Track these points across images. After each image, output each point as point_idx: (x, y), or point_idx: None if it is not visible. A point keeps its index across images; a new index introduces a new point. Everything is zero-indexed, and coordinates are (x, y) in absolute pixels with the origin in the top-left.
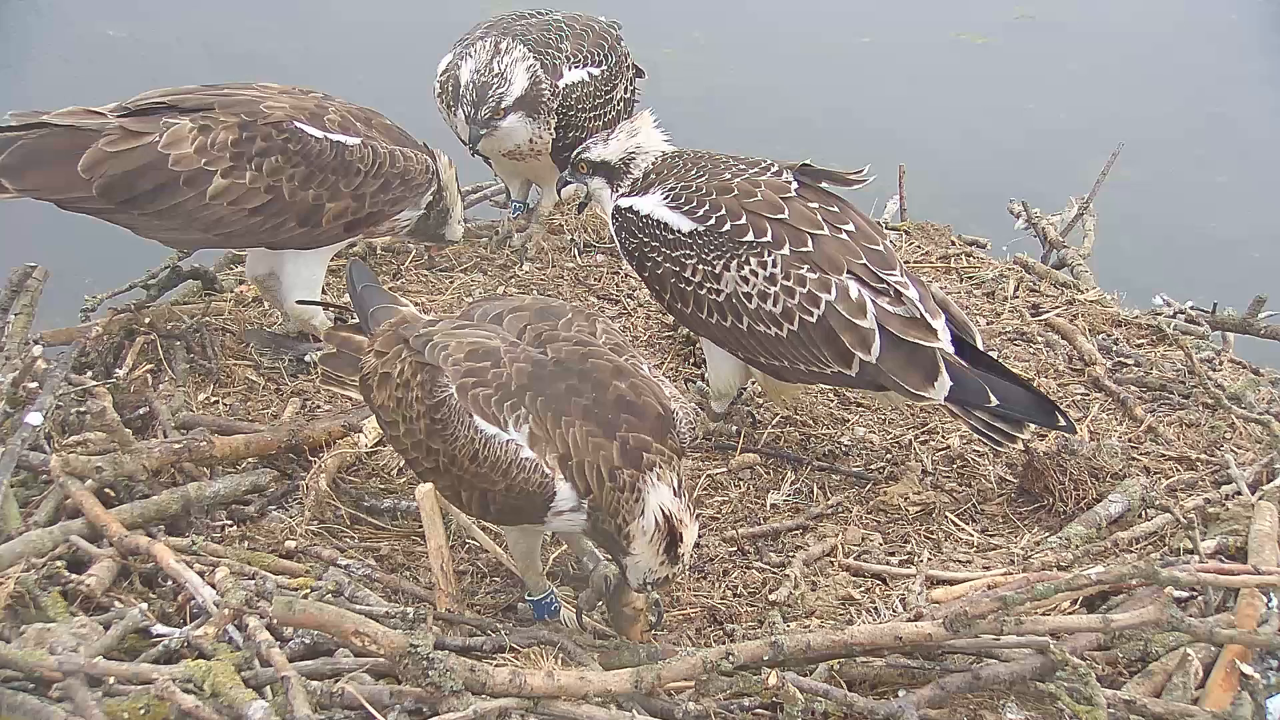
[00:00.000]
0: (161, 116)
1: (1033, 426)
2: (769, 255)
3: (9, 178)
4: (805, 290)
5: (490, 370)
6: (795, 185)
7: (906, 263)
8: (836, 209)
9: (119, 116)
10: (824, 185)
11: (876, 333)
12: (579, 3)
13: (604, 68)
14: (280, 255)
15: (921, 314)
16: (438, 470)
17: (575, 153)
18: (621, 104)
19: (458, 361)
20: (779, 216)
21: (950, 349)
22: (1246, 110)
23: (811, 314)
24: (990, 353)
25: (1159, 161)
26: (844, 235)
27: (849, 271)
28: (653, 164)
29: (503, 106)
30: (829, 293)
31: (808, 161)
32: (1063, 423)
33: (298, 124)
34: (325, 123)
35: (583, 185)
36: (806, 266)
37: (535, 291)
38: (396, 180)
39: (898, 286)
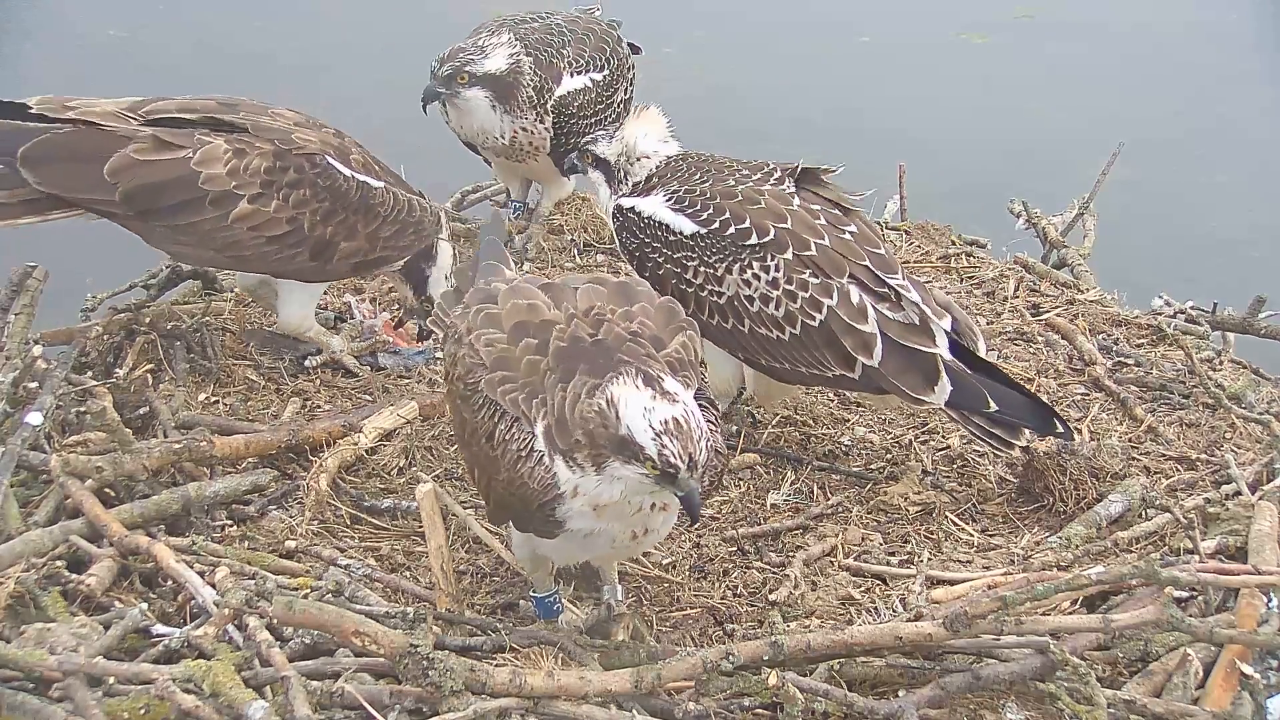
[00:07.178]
0: (195, 132)
1: (1028, 433)
2: (771, 259)
3: (30, 168)
4: (808, 295)
5: (525, 359)
6: (795, 192)
7: (906, 263)
8: (838, 212)
9: (144, 125)
10: (822, 182)
11: (878, 337)
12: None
13: (606, 72)
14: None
15: (923, 319)
16: (462, 440)
17: (584, 141)
18: (622, 105)
19: (491, 342)
20: (782, 223)
21: (949, 354)
22: (1246, 110)
23: (814, 318)
24: (991, 353)
25: (1159, 161)
26: (846, 236)
27: (850, 275)
28: (656, 167)
29: (467, 70)
30: (830, 297)
31: (807, 166)
32: (1060, 429)
33: (329, 159)
34: (351, 162)
35: (584, 174)
36: (809, 271)
37: None
38: (410, 229)
39: (899, 290)
